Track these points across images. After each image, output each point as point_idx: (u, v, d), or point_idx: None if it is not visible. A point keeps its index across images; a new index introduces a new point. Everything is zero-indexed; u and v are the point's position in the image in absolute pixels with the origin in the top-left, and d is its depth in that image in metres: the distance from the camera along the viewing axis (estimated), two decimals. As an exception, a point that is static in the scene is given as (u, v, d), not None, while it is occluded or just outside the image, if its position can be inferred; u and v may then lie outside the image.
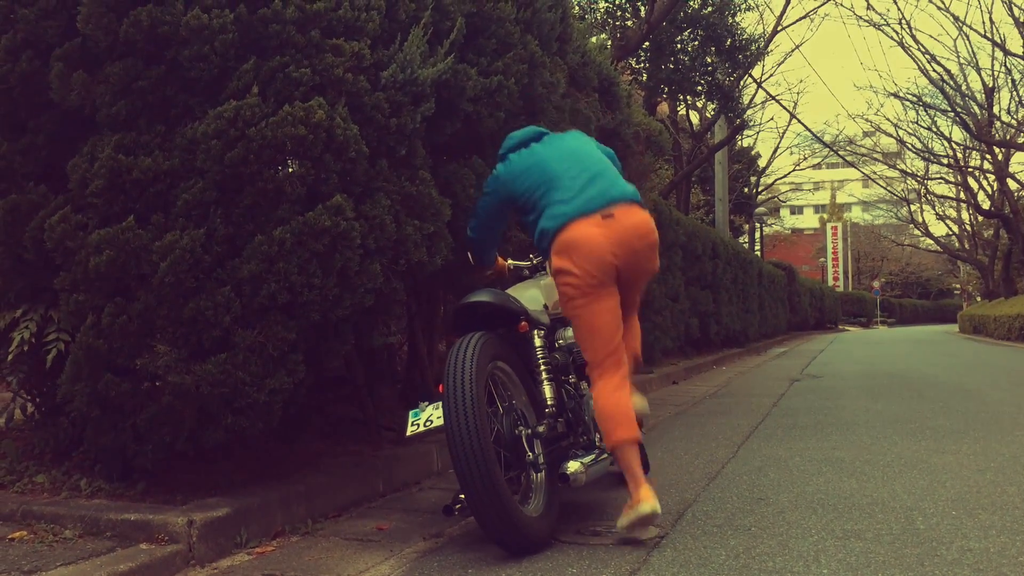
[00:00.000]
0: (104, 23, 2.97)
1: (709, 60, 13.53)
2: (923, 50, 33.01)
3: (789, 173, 35.90)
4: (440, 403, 2.81)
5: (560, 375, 3.26)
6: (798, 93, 64.85)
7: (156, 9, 2.92)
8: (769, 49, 18.48)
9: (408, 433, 2.95)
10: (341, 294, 3.02)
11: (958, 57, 38.74)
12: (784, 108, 28.41)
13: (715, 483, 3.84)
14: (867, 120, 54.80)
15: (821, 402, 7.04)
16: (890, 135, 29.62)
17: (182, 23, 2.91)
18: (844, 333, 29.54)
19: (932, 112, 26.21)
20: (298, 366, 3.00)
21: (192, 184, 2.91)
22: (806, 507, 3.33)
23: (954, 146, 28.77)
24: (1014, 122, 23.95)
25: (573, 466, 2.95)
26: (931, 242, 43.60)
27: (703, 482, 3.87)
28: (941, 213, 38.91)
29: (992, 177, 28.66)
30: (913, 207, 38.86)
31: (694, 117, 23.28)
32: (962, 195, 32.52)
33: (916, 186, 35.54)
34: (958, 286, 56.17)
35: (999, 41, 21.71)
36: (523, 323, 3.13)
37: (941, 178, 32.82)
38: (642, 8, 12.82)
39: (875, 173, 34.84)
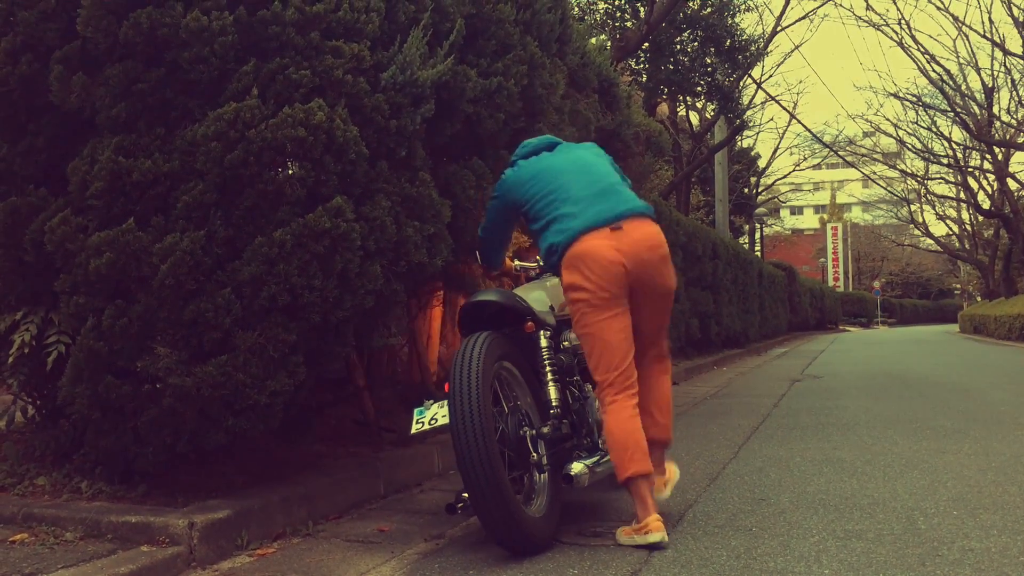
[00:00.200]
0: (104, 25, 2.97)
1: (709, 61, 13.53)
2: (922, 50, 32.98)
3: (789, 173, 35.91)
4: (445, 401, 2.81)
5: (565, 376, 3.25)
6: (798, 93, 65.07)
7: (156, 11, 2.93)
8: (769, 50, 18.50)
9: (412, 431, 2.95)
10: (341, 296, 3.02)
11: (957, 57, 38.77)
12: (784, 108, 28.44)
13: (716, 484, 3.84)
14: (867, 120, 54.77)
15: (822, 402, 7.03)
16: (890, 135, 29.63)
17: (182, 25, 2.91)
18: (845, 333, 29.53)
19: (932, 112, 26.23)
20: (299, 368, 3.00)
21: (192, 186, 2.91)
22: (807, 507, 3.33)
23: (954, 146, 28.77)
24: (1014, 122, 23.95)
25: (577, 467, 2.94)
26: (931, 242, 43.60)
27: (704, 483, 3.87)
28: (941, 213, 38.92)
29: (992, 177, 28.65)
30: (913, 207, 38.87)
31: (694, 118, 23.29)
32: (962, 195, 32.52)
33: (916, 186, 35.55)
34: (958, 286, 56.20)
35: (999, 41, 21.72)
36: (529, 323, 3.13)
37: (941, 178, 32.82)
38: (641, 9, 12.82)
39: (875, 173, 34.84)
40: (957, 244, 40.19)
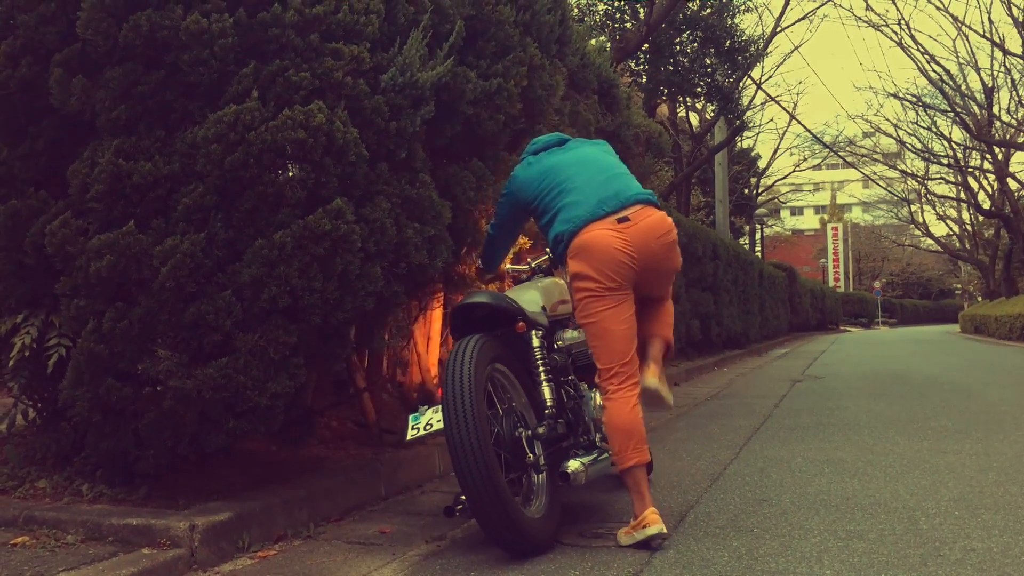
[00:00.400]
0: (104, 28, 2.97)
1: (708, 62, 13.54)
2: (922, 50, 33.00)
3: (789, 174, 35.89)
4: (440, 407, 2.81)
5: (559, 376, 3.26)
6: (798, 94, 65.09)
7: (156, 14, 2.93)
8: (768, 50, 18.49)
9: (408, 438, 2.96)
10: (342, 297, 3.02)
11: (957, 57, 38.82)
12: (784, 109, 28.42)
13: (717, 484, 3.84)
14: (867, 121, 54.53)
15: (823, 403, 7.03)
16: (890, 135, 29.60)
17: (181, 28, 2.91)
18: (845, 334, 29.52)
19: (932, 112, 26.21)
20: (299, 370, 3.00)
21: (192, 188, 2.91)
22: (808, 508, 3.33)
23: (954, 146, 28.75)
24: (1014, 122, 23.94)
25: (573, 465, 2.95)
26: (932, 242, 43.56)
27: (705, 483, 3.86)
28: (941, 213, 38.89)
29: (992, 177, 28.63)
30: (913, 207, 38.85)
31: (694, 119, 23.29)
32: (962, 195, 32.49)
33: (916, 186, 35.53)
34: (959, 286, 56.17)
35: (998, 41, 21.72)
36: (520, 323, 3.13)
37: (941, 178, 32.80)
38: (641, 10, 12.82)
39: (875, 174, 34.83)
40: (957, 244, 40.16)
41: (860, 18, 46.81)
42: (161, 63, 2.98)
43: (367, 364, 4.22)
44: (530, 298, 3.31)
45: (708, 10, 13.39)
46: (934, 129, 27.84)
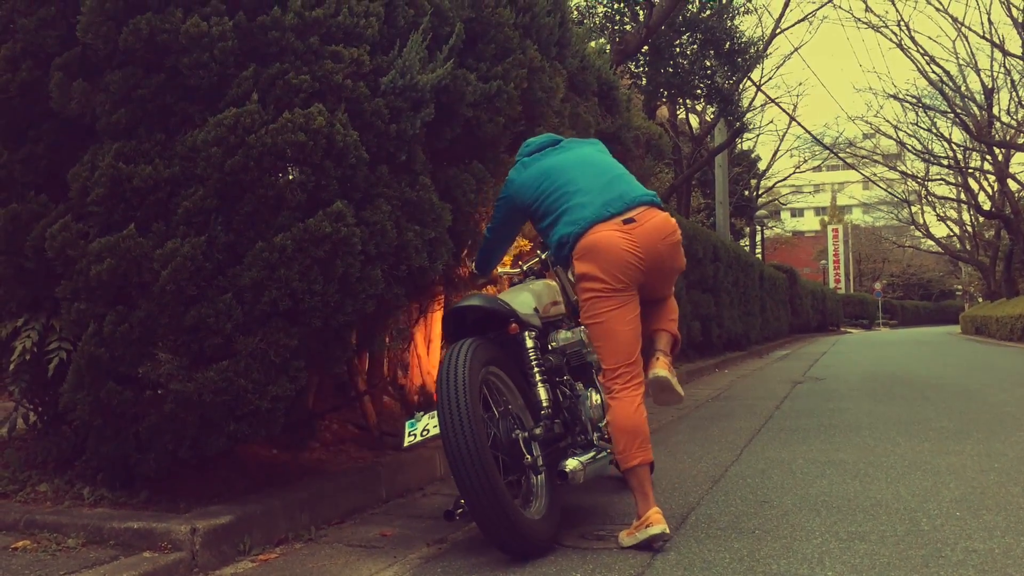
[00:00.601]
0: (104, 32, 2.97)
1: (708, 64, 13.54)
2: (922, 51, 32.87)
3: (789, 176, 35.91)
4: (436, 412, 2.81)
5: (554, 376, 3.26)
6: (797, 96, 65.07)
7: (155, 17, 2.93)
8: (768, 52, 18.49)
9: (406, 444, 2.96)
10: (342, 300, 3.02)
11: (957, 58, 38.76)
12: (783, 111, 28.48)
13: (719, 486, 3.84)
14: (867, 122, 54.52)
15: (824, 404, 7.03)
16: (890, 137, 29.58)
17: (181, 31, 2.91)
18: (846, 335, 29.51)
19: (932, 113, 26.21)
20: (300, 373, 3.00)
21: (192, 192, 2.92)
22: (810, 509, 3.32)
23: (954, 147, 28.72)
24: (1014, 123, 23.94)
25: (571, 464, 2.95)
26: (932, 243, 43.50)
27: (707, 485, 3.86)
28: (942, 214, 38.85)
29: (992, 178, 28.61)
30: (914, 208, 38.82)
31: (694, 121, 23.31)
32: (963, 196, 32.46)
33: (916, 187, 35.51)
34: (960, 287, 56.12)
35: (998, 42, 21.71)
36: (513, 325, 3.13)
37: (941, 179, 32.77)
38: (641, 12, 12.83)
39: (875, 175, 34.84)
40: (958, 245, 40.14)
41: (860, 19, 46.60)
42: (161, 66, 2.99)
43: (368, 367, 4.22)
44: (523, 300, 3.31)
45: (708, 12, 13.39)
46: (934, 130, 27.87)
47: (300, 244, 2.91)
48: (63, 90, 3.06)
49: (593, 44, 8.87)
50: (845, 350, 17.42)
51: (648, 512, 2.83)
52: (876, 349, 17.65)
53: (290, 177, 3.01)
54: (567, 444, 3.15)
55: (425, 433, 2.90)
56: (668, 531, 2.84)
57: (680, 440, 5.28)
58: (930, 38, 72.38)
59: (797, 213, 61.40)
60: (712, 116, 19.06)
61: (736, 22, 13.84)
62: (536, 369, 3.12)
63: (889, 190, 36.51)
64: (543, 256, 3.59)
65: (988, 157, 27.02)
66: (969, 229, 37.24)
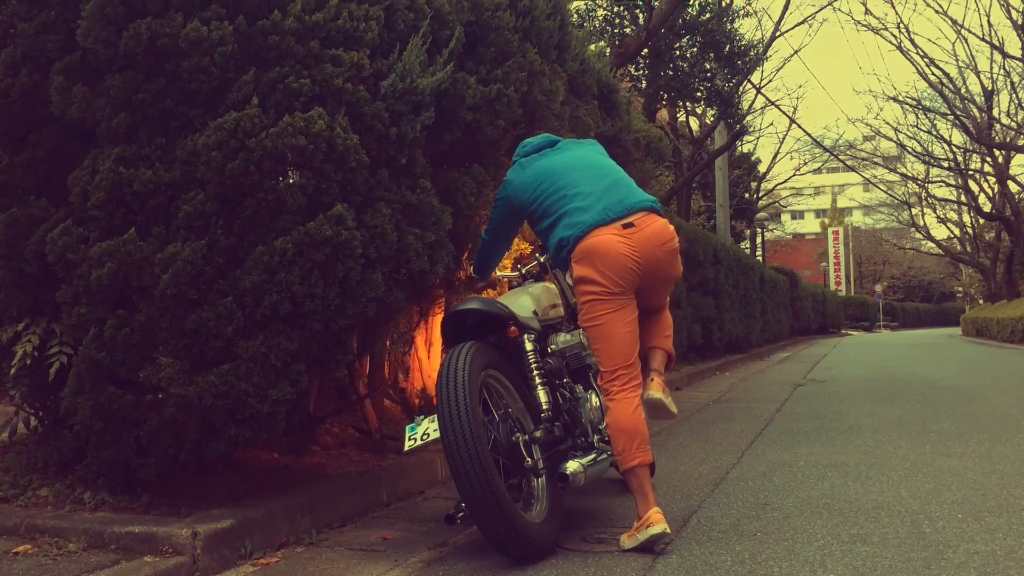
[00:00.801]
0: (104, 36, 2.98)
1: (708, 66, 13.53)
2: (922, 54, 32.91)
3: (790, 178, 35.97)
4: (436, 416, 2.81)
5: (554, 379, 3.26)
6: (798, 98, 65.13)
7: (156, 22, 2.93)
8: (768, 55, 18.49)
9: (406, 448, 2.96)
10: (343, 304, 3.02)
11: (957, 60, 38.78)
12: (784, 113, 28.52)
13: (720, 489, 3.83)
14: (867, 124, 54.44)
15: (825, 407, 7.02)
16: (890, 139, 29.60)
17: (181, 35, 2.92)
18: (847, 337, 29.49)
19: (932, 115, 26.25)
20: (301, 376, 3.00)
21: (193, 196, 2.92)
22: (811, 512, 3.32)
23: (954, 149, 28.74)
24: (1014, 124, 23.95)
25: (572, 466, 2.95)
26: (933, 245, 43.47)
27: (708, 488, 3.86)
28: (942, 216, 38.84)
29: (993, 180, 28.62)
30: (914, 210, 38.81)
31: (694, 123, 23.32)
32: (963, 198, 32.48)
33: (917, 189, 35.52)
34: (960, 289, 56.13)
35: (998, 44, 21.75)
36: (512, 328, 3.13)
37: (942, 181, 32.80)
38: (640, 15, 12.83)
39: (875, 177, 34.84)
40: (959, 247, 40.12)
41: (859, 22, 46.70)
42: (161, 71, 2.99)
43: (369, 370, 4.22)
44: (521, 303, 3.31)
45: (707, 15, 13.39)
46: (934, 132, 27.92)
47: (300, 248, 2.91)
48: (63, 95, 3.06)
49: (593, 47, 8.87)
50: (846, 352, 17.41)
51: (648, 512, 2.83)
52: (877, 351, 17.64)
53: (290, 181, 3.02)
54: (567, 447, 3.15)
55: (425, 437, 2.91)
56: (669, 530, 2.84)
57: (681, 443, 5.28)
58: (930, 40, 72.40)
59: (797, 215, 61.38)
60: (712, 119, 19.07)
61: (736, 25, 13.82)
62: (536, 372, 3.12)
63: (889, 192, 36.52)
64: (541, 259, 3.59)
65: (988, 159, 27.05)
66: (969, 231, 37.24)
